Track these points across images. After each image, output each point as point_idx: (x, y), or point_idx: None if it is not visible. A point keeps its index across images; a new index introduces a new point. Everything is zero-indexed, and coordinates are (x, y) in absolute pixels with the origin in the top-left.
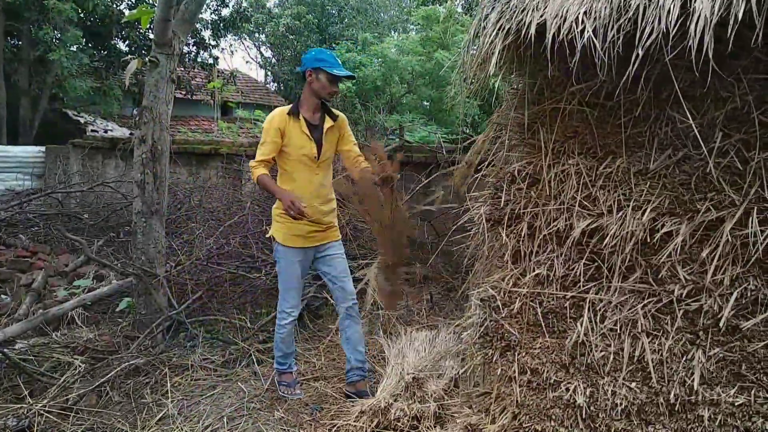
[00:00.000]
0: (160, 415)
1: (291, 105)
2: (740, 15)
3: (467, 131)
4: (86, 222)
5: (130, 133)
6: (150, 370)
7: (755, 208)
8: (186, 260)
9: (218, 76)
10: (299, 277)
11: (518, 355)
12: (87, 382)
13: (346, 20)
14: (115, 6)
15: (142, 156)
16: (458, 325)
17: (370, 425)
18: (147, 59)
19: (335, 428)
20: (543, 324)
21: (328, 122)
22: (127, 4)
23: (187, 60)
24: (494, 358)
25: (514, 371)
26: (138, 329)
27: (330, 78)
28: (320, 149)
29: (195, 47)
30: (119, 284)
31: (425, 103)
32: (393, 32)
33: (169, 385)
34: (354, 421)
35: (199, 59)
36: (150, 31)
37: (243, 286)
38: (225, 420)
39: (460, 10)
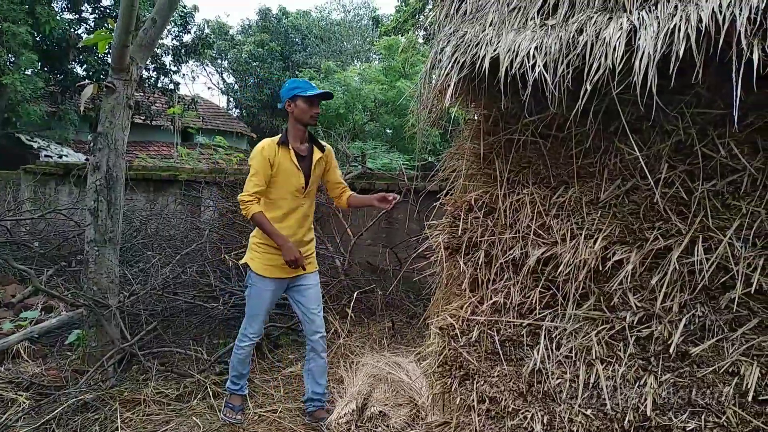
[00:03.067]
0: None
1: (280, 135)
2: (681, 53)
3: (428, 158)
4: (36, 251)
5: (86, 159)
6: (99, 405)
7: (700, 236)
8: (141, 290)
9: (179, 101)
10: (268, 306)
11: (477, 383)
12: (32, 420)
13: (310, 48)
14: (73, 30)
15: (95, 183)
16: (419, 353)
17: None
18: (104, 84)
19: None
20: (501, 352)
21: (317, 153)
22: (86, 28)
23: (146, 85)
24: (453, 387)
25: (473, 400)
26: (88, 363)
27: (307, 101)
28: (308, 180)
29: (155, 72)
30: (69, 316)
31: (387, 130)
32: (356, 61)
33: (119, 421)
34: None
35: (159, 84)
36: (108, 55)
37: (200, 317)
38: None
39: (420, 40)
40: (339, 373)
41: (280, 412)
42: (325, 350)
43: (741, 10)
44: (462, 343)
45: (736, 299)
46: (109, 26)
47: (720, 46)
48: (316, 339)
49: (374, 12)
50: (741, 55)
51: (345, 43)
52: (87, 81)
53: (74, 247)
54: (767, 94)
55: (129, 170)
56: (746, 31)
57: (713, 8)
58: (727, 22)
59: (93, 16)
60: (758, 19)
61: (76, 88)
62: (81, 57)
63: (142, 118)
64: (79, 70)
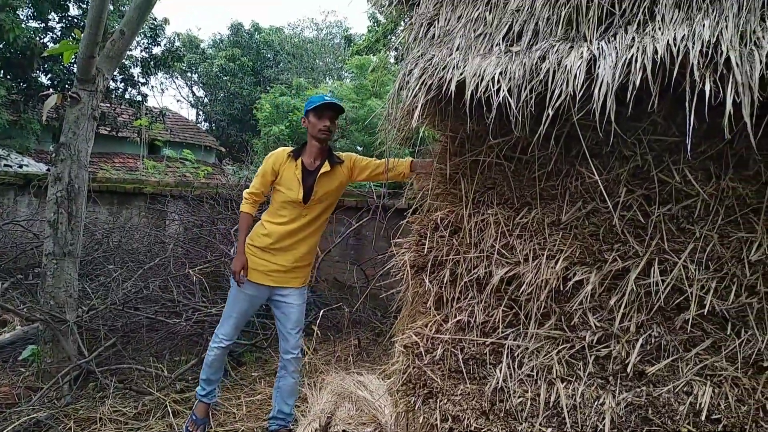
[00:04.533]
0: None
1: (295, 147)
2: (638, 82)
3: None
4: None
5: (47, 170)
6: (53, 424)
7: (656, 259)
8: (100, 305)
9: (147, 113)
10: (244, 311)
11: (440, 402)
12: None
13: (282, 64)
14: (38, 38)
15: (56, 195)
16: (383, 371)
17: None
18: (68, 94)
19: None
20: (464, 370)
21: (324, 167)
22: (52, 37)
23: (113, 96)
24: (417, 406)
25: (436, 419)
26: (42, 380)
27: (315, 114)
28: (309, 194)
29: (123, 83)
30: (24, 330)
31: (358, 147)
32: (328, 79)
33: None
34: None
35: (126, 96)
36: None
37: (161, 333)
38: None
39: (392, 60)
40: (303, 392)
41: (242, 430)
42: (297, 371)
43: (694, 43)
44: (426, 362)
45: (690, 320)
46: (76, 36)
47: (674, 76)
48: (288, 358)
49: (347, 31)
50: (694, 86)
51: (317, 61)
52: (51, 90)
53: (32, 259)
54: (718, 124)
55: (92, 182)
56: (699, 63)
57: (668, 41)
58: (681, 54)
59: (60, 25)
60: (710, 53)
61: (40, 98)
62: (46, 66)
63: (108, 129)
64: (44, 79)
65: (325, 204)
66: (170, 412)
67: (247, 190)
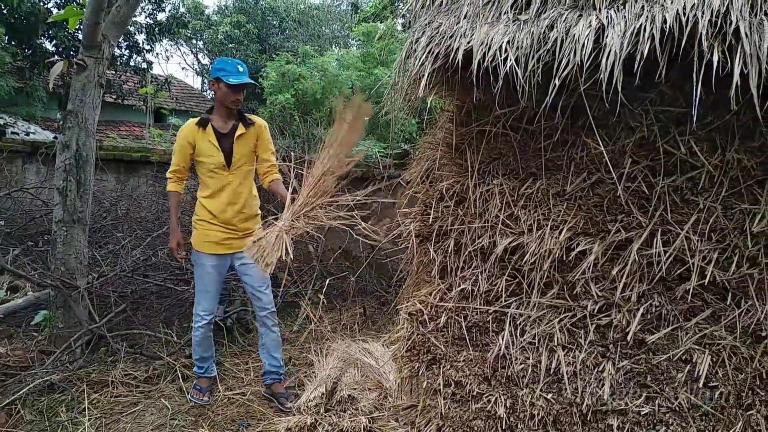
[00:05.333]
0: None
1: (202, 115)
2: (646, 52)
3: (405, 147)
4: (1, 229)
5: (54, 137)
6: (66, 386)
7: (659, 230)
8: (110, 272)
9: (152, 81)
10: (213, 282)
11: (443, 368)
12: None
13: (287, 31)
14: (42, 4)
15: (65, 162)
16: (388, 339)
17: None
18: (74, 61)
19: None
20: (467, 337)
21: (240, 129)
22: (56, 2)
23: (118, 63)
24: (420, 371)
25: (439, 384)
26: (55, 344)
27: (230, 87)
28: (230, 157)
29: (128, 51)
30: (36, 296)
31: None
32: (334, 46)
33: (86, 402)
34: None
35: (131, 63)
36: (79, 32)
37: (170, 299)
38: None
39: (399, 28)
40: (309, 358)
41: (250, 395)
42: (276, 324)
43: (703, 13)
44: (430, 329)
45: (691, 290)
46: (81, 2)
47: (683, 46)
48: (264, 315)
49: None
50: (702, 56)
51: (323, 28)
52: (57, 57)
53: (41, 227)
54: (725, 95)
55: (99, 150)
56: (707, 33)
57: (677, 10)
58: (689, 24)
59: None
60: (719, 22)
61: (46, 65)
62: (50, 32)
63: (114, 97)
64: (49, 46)
65: (247, 166)
66: (180, 375)
67: (169, 170)
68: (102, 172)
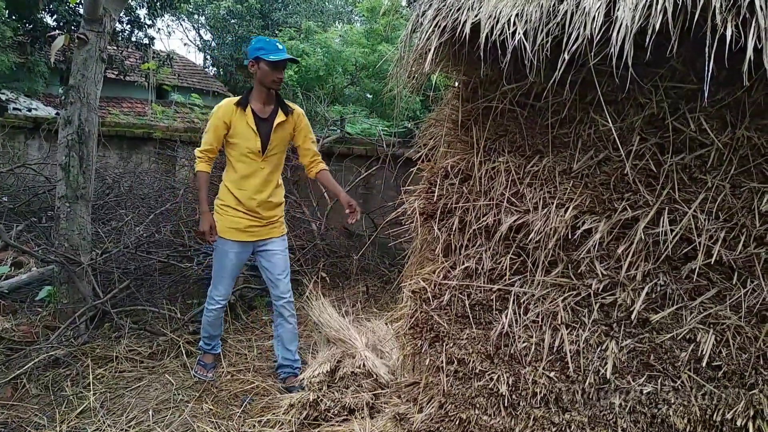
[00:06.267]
0: (81, 408)
1: (241, 96)
2: (657, 26)
3: (409, 125)
4: (5, 205)
5: (56, 113)
6: (71, 361)
7: (666, 208)
8: (113, 248)
9: (154, 57)
10: (233, 269)
11: (446, 345)
12: (2, 374)
13: (291, 7)
14: None
15: (67, 138)
16: (390, 317)
17: (299, 417)
18: (75, 36)
19: (264, 421)
20: (470, 315)
21: (280, 116)
22: None
23: (120, 39)
24: (423, 349)
25: (442, 361)
26: (59, 319)
27: (270, 65)
28: (266, 144)
29: (129, 26)
30: (40, 272)
31: (368, 95)
32: (337, 22)
33: (91, 377)
34: (283, 414)
35: (133, 38)
36: (80, 6)
37: (174, 276)
38: (151, 413)
39: (404, 3)
40: (313, 337)
41: (253, 371)
42: (294, 315)
43: None
44: (433, 306)
45: (697, 269)
46: None
47: (696, 20)
48: (281, 304)
49: None
50: (715, 30)
51: (326, 3)
52: (58, 32)
53: (44, 203)
54: (738, 71)
55: (101, 126)
56: (721, 6)
57: None
58: None
59: None
60: None
61: (47, 39)
62: (51, 6)
63: (115, 73)
64: (50, 20)
65: (280, 154)
66: (183, 352)
67: (198, 148)
68: (104, 149)
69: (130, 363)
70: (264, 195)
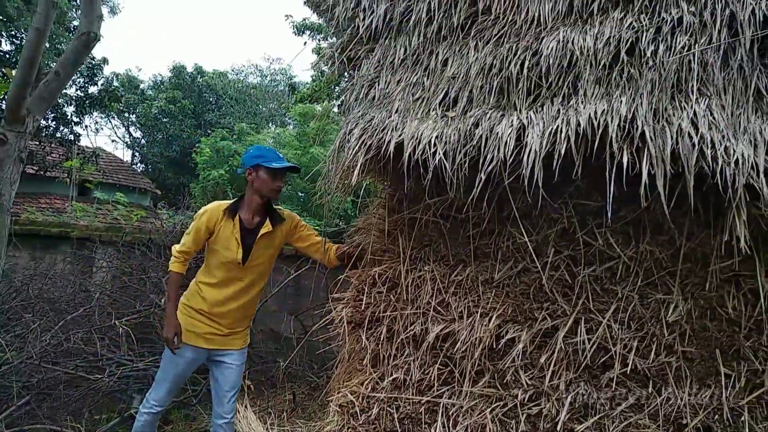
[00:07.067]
0: None
1: (231, 202)
2: (563, 151)
3: (340, 224)
4: None
5: None
6: None
7: (583, 318)
8: (15, 358)
9: (79, 153)
10: (180, 374)
11: None
12: None
13: (224, 108)
14: None
15: None
16: (318, 430)
17: None
18: None
19: None
20: (399, 430)
21: (266, 227)
22: None
23: (43, 134)
24: None
25: None
26: None
27: (270, 173)
28: (247, 255)
29: (54, 122)
30: None
31: (300, 194)
32: (271, 125)
33: None
34: None
35: (58, 135)
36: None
37: (81, 389)
38: None
39: (336, 110)
40: None
41: None
42: None
43: (612, 118)
44: (361, 422)
45: (615, 378)
46: (6, 74)
47: (596, 147)
48: (220, 424)
49: (291, 79)
50: (613, 156)
51: (260, 106)
52: None
53: None
54: (636, 192)
55: (14, 225)
56: (617, 136)
57: (590, 114)
58: (601, 127)
59: None
60: (627, 127)
61: None
62: None
63: (35, 169)
64: None
65: (264, 265)
66: None
67: (176, 247)
68: (15, 249)
69: None
70: (237, 304)
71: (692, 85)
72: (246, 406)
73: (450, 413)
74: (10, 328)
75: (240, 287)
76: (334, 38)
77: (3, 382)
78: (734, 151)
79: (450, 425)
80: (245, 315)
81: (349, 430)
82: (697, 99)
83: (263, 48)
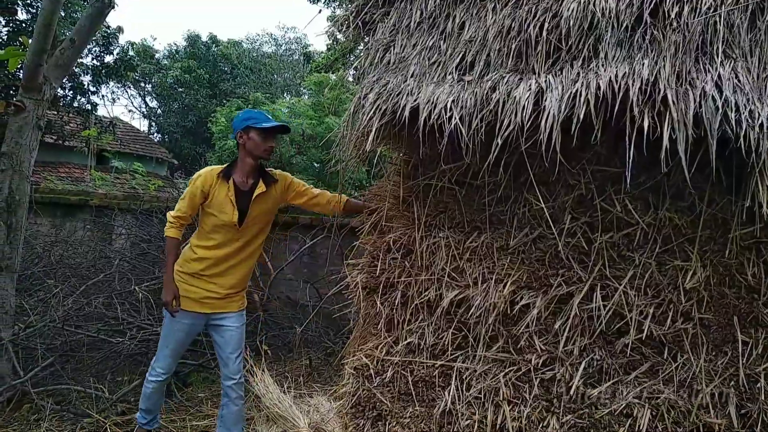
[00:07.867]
0: None
1: (224, 166)
2: (582, 115)
3: (354, 194)
4: None
5: None
6: None
7: (599, 284)
8: (38, 322)
9: (96, 123)
10: (181, 341)
11: (389, 424)
12: None
13: (239, 78)
14: None
15: None
16: (334, 393)
17: None
18: (12, 102)
19: None
20: (413, 393)
21: (260, 188)
22: None
23: (61, 104)
24: (366, 428)
25: None
26: None
27: (261, 133)
28: (243, 217)
29: (72, 92)
30: None
31: (315, 164)
32: (286, 94)
33: None
34: None
35: (75, 104)
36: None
37: (103, 352)
38: None
39: (351, 79)
40: (251, 414)
41: None
42: (241, 397)
43: (634, 81)
44: (376, 384)
45: (630, 344)
46: (23, 42)
47: (616, 111)
48: (229, 384)
49: (306, 48)
50: (634, 121)
51: (275, 76)
52: None
53: None
54: (656, 157)
55: (35, 192)
56: (638, 99)
57: (610, 77)
58: (621, 91)
59: (6, 29)
60: (648, 90)
61: None
62: None
63: (54, 138)
64: None
65: (260, 226)
66: None
67: (171, 212)
68: (36, 216)
69: None
70: (235, 261)
71: (717, 47)
72: (264, 370)
73: (463, 377)
74: (33, 292)
75: (237, 247)
76: (350, 3)
77: (28, 344)
78: (759, 114)
79: (463, 388)
80: (242, 276)
81: (364, 392)
82: (722, 61)
83: (278, 17)
